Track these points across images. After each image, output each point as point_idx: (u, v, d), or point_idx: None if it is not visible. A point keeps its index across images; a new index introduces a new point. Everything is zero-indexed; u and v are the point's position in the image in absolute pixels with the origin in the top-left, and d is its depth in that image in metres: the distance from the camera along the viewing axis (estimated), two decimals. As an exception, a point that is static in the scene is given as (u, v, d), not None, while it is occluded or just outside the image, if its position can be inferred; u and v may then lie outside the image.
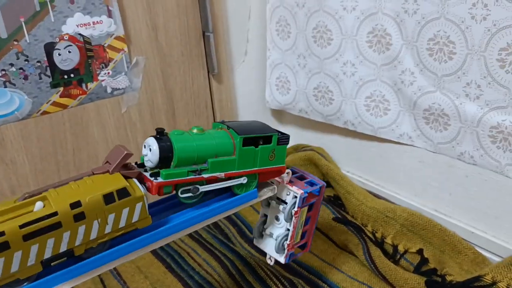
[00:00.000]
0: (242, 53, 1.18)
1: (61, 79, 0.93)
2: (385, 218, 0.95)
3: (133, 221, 0.55)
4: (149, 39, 1.02)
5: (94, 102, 0.98)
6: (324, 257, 0.96)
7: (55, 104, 0.94)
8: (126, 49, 0.99)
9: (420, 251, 0.90)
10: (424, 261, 0.88)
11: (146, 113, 1.06)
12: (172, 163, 0.58)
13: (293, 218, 0.70)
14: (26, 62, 0.89)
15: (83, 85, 0.96)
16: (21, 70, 0.88)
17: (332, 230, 0.99)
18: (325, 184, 0.74)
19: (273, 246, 0.73)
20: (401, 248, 0.92)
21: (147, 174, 0.58)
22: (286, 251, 0.72)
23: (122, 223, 0.54)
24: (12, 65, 0.87)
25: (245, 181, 0.65)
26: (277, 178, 0.71)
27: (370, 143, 1.04)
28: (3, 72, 0.87)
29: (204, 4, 1.05)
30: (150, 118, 1.06)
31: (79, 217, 0.51)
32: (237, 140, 0.63)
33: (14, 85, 0.88)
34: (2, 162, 0.91)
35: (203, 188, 0.61)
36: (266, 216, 0.75)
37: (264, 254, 0.76)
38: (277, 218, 0.73)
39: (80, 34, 0.93)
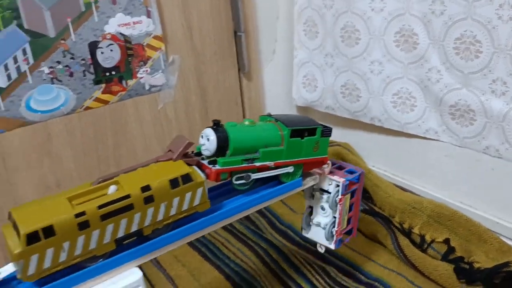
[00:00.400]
0: (270, 52, 1.23)
1: (103, 76, 0.98)
2: (412, 209, 0.99)
3: (194, 204, 0.60)
4: (185, 38, 1.06)
5: (133, 98, 1.03)
6: (354, 247, 1.00)
7: (97, 100, 0.99)
8: (163, 48, 1.03)
9: (446, 241, 0.94)
10: (451, 249, 0.92)
11: (181, 109, 1.10)
12: (227, 152, 0.63)
13: (338, 205, 0.76)
14: (72, 60, 0.93)
15: (123, 82, 1.01)
16: (67, 68, 0.93)
17: (361, 222, 1.03)
18: (364, 171, 0.79)
19: (322, 235, 0.79)
20: (428, 238, 0.96)
21: (205, 162, 0.62)
22: (335, 237, 0.78)
23: (185, 206, 0.59)
24: (59, 62, 0.92)
25: (291, 170, 0.69)
26: (318, 170, 0.76)
27: (396, 138, 1.09)
28: (51, 69, 0.92)
29: (236, 5, 1.10)
30: (185, 114, 1.11)
31: (148, 200, 0.56)
32: (285, 132, 0.68)
33: (61, 81, 0.93)
34: (48, 155, 0.96)
35: (255, 176, 0.66)
36: (311, 207, 0.81)
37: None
38: (322, 208, 0.78)
39: (121, 33, 0.97)
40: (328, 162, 0.76)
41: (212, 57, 1.12)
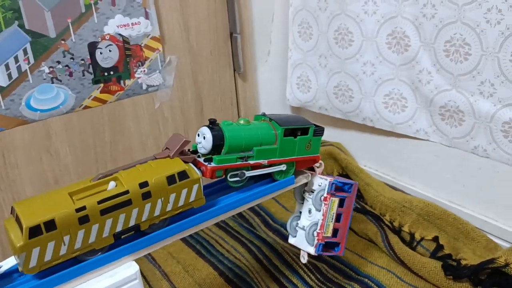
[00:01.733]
0: (265, 53, 1.25)
1: (101, 76, 1.00)
2: (402, 208, 1.01)
3: (190, 200, 0.62)
4: (182, 39, 1.09)
5: (131, 97, 1.05)
6: (346, 244, 1.02)
7: (95, 99, 1.01)
8: (160, 48, 1.06)
9: (435, 239, 0.96)
10: (440, 247, 0.95)
11: (177, 108, 1.12)
12: (223, 150, 0.65)
13: (323, 204, 0.76)
14: (72, 60, 0.96)
15: (121, 81, 1.03)
16: (67, 67, 0.95)
17: (352, 220, 1.05)
18: (357, 183, 0.80)
19: (304, 237, 0.77)
20: (417, 236, 0.98)
21: (201, 160, 0.65)
22: (316, 240, 0.76)
23: (181, 202, 0.61)
24: (59, 62, 0.94)
25: (284, 168, 0.72)
26: (310, 171, 0.78)
27: (387, 138, 1.11)
28: (51, 69, 0.94)
29: (232, 7, 1.12)
30: (181, 113, 1.13)
31: (146, 196, 0.58)
32: (279, 131, 0.70)
33: (60, 81, 0.95)
34: (47, 152, 0.98)
35: (249, 174, 0.68)
36: (300, 213, 0.81)
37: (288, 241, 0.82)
38: (309, 211, 0.78)
39: (120, 34, 1.00)
40: (321, 162, 0.78)
41: (208, 58, 1.14)
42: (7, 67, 0.89)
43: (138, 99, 1.06)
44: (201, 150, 0.66)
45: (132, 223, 0.58)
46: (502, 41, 0.84)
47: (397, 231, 1.01)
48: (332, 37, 1.11)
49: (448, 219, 0.97)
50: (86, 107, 1.00)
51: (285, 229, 1.08)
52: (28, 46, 0.90)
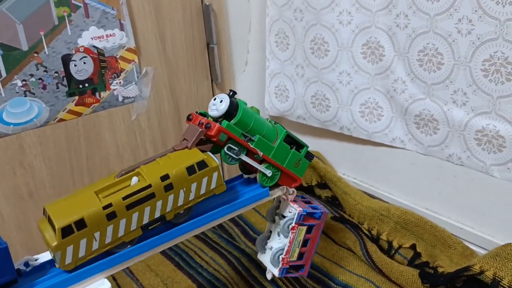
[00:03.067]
0: (243, 63, 1.25)
1: (76, 88, 0.99)
2: (380, 216, 1.02)
3: (211, 188, 0.64)
4: (158, 50, 1.08)
5: (107, 110, 1.04)
6: (324, 253, 1.02)
7: (70, 112, 1.00)
8: (136, 60, 1.05)
9: (413, 246, 0.97)
10: (417, 255, 0.96)
11: (154, 120, 1.12)
12: (233, 120, 0.67)
13: (290, 233, 0.76)
14: (45, 73, 0.95)
15: (97, 94, 1.02)
16: (40, 80, 0.94)
17: (330, 229, 1.06)
18: (328, 212, 0.81)
19: (269, 258, 0.79)
20: (395, 244, 0.99)
21: (209, 118, 0.67)
22: (280, 264, 0.78)
23: (202, 190, 0.64)
24: (32, 75, 0.93)
25: (270, 174, 0.72)
26: (283, 196, 0.78)
27: (364, 147, 1.12)
28: (24, 82, 0.93)
29: (208, 18, 1.12)
30: (158, 124, 1.13)
31: (168, 188, 0.61)
32: (281, 133, 0.73)
33: (34, 94, 0.94)
34: (21, 166, 0.96)
35: (243, 157, 0.69)
36: (271, 232, 0.82)
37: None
38: (279, 234, 0.79)
39: (94, 46, 0.99)
40: (293, 190, 0.78)
41: (185, 69, 1.14)
42: (-22, 81, 0.88)
43: (114, 111, 1.05)
44: (213, 112, 0.67)
45: (157, 214, 0.61)
46: (473, 51, 0.85)
47: (375, 239, 1.01)
48: (308, 46, 1.11)
49: (425, 227, 0.98)
50: (61, 120, 0.99)
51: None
52: None
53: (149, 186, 0.59)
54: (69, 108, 0.99)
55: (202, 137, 0.66)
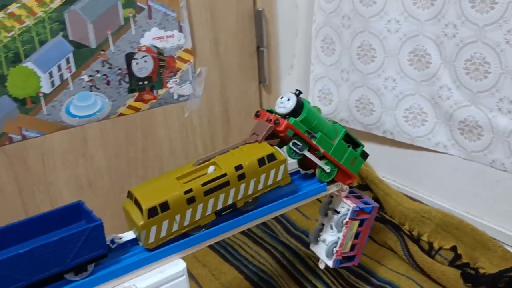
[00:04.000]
0: (289, 67, 1.31)
1: (136, 85, 1.05)
2: (421, 218, 1.05)
3: (278, 179, 0.69)
4: (211, 52, 1.14)
5: (162, 106, 1.10)
6: (366, 252, 1.06)
7: (130, 107, 1.06)
8: (192, 60, 1.11)
9: (453, 248, 1.00)
10: (458, 256, 0.99)
11: (205, 118, 1.17)
12: (299, 117, 0.72)
13: (344, 227, 0.81)
14: (110, 70, 1.01)
15: (155, 91, 1.08)
16: (105, 76, 1.00)
17: (372, 229, 1.09)
18: (378, 206, 0.85)
19: (324, 251, 0.84)
20: (436, 245, 1.02)
21: (277, 115, 0.72)
22: (334, 256, 0.83)
23: (270, 181, 0.69)
24: (98, 71, 0.99)
25: (328, 170, 0.77)
26: (336, 192, 0.82)
27: (406, 151, 1.15)
28: (90, 78, 0.99)
29: (260, 23, 1.18)
30: (208, 123, 1.18)
31: (241, 177, 0.66)
32: (341, 132, 0.78)
33: (98, 89, 1.00)
34: (83, 157, 1.02)
35: (306, 153, 0.74)
36: (323, 225, 0.86)
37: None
38: (331, 227, 0.84)
39: (155, 46, 1.05)
40: (346, 187, 0.82)
41: (235, 70, 1.19)
42: (50, 75, 0.94)
43: (169, 108, 1.11)
44: (280, 110, 0.73)
45: (230, 201, 0.66)
46: (521, 61, 0.88)
47: (416, 240, 1.04)
48: (355, 52, 1.16)
49: (465, 230, 1.01)
50: (121, 114, 1.05)
51: (307, 236, 1.13)
52: (70, 55, 0.95)
53: (225, 174, 0.64)
54: (129, 103, 1.05)
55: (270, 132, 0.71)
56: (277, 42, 1.25)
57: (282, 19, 1.24)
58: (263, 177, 0.67)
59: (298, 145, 0.73)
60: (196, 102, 1.14)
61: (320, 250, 0.85)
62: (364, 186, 1.19)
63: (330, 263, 0.83)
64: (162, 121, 1.11)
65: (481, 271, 0.93)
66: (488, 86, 0.95)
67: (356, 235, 0.84)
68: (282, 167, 0.69)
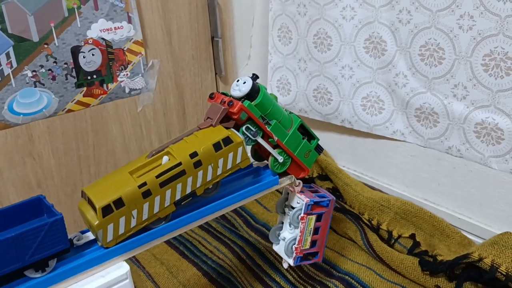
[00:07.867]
0: (246, 57, 1.28)
1: (84, 79, 1.01)
2: (380, 207, 1.05)
3: (237, 162, 0.67)
4: (164, 43, 1.10)
5: (114, 101, 1.06)
6: (327, 243, 1.05)
7: (78, 103, 1.01)
8: (143, 52, 1.07)
9: (412, 236, 1.00)
10: (416, 244, 0.98)
11: (159, 112, 1.14)
12: (254, 101, 0.70)
13: (300, 223, 0.79)
14: (55, 64, 0.96)
15: (104, 85, 1.04)
16: (50, 71, 0.96)
17: (332, 219, 1.08)
18: (335, 199, 0.84)
19: (283, 248, 0.82)
20: (395, 234, 1.02)
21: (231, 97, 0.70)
22: (294, 254, 0.81)
23: (229, 165, 0.67)
24: (42, 66, 0.95)
25: (281, 161, 0.75)
26: (290, 188, 0.81)
27: (365, 139, 1.14)
28: (34, 73, 0.94)
29: (214, 12, 1.14)
30: (163, 116, 1.15)
31: (197, 164, 0.63)
32: (296, 122, 0.76)
33: (43, 85, 0.96)
34: (30, 156, 0.98)
35: (259, 139, 0.72)
36: (282, 223, 0.84)
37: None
38: (290, 225, 0.82)
39: (103, 38, 1.01)
40: (299, 181, 0.80)
41: (190, 61, 1.16)
42: (-10, 71, 0.90)
43: (120, 103, 1.07)
44: (235, 92, 0.70)
45: (188, 190, 0.64)
46: (474, 46, 0.88)
47: (376, 229, 1.04)
48: (311, 41, 1.14)
49: (424, 217, 1.01)
50: (69, 110, 1.01)
51: (267, 229, 1.11)
52: (11, 50, 0.91)
53: (180, 164, 0.62)
54: (77, 99, 1.01)
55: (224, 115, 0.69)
56: (233, 32, 1.22)
57: (237, 8, 1.21)
58: (221, 161, 0.66)
59: (252, 130, 0.71)
60: (149, 96, 1.11)
61: (280, 249, 0.83)
62: (324, 176, 1.18)
63: (291, 262, 0.81)
64: (114, 116, 1.07)
65: (439, 258, 0.93)
66: (443, 72, 0.94)
67: (315, 231, 0.82)
68: (240, 149, 0.67)
